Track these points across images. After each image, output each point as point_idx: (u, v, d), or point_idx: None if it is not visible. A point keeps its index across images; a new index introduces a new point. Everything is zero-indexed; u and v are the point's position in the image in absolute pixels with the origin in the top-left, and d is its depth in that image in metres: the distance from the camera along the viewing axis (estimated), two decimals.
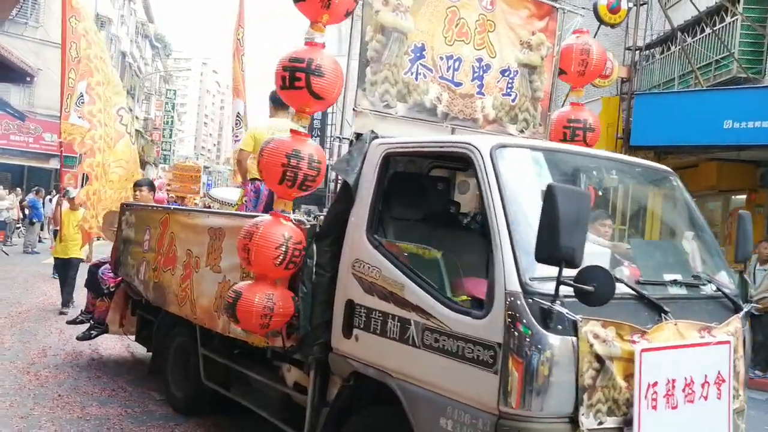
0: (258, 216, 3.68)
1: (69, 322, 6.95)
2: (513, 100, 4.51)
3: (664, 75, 15.97)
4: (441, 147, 3.44)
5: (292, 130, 3.53)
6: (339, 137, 3.83)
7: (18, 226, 19.09)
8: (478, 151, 3.01)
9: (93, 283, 6.66)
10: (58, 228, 9.28)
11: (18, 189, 21.05)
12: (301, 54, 3.45)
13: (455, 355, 2.81)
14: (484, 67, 4.33)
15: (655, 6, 14.11)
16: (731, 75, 12.92)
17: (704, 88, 13.09)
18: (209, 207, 6.61)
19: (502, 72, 4.42)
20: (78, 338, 6.47)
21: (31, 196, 17.87)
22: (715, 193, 14.55)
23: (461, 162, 3.31)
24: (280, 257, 3.40)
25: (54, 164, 20.83)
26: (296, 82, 3.41)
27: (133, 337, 6.39)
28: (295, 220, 3.59)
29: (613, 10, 15.07)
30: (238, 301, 3.41)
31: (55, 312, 9.27)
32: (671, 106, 12.63)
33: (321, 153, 3.55)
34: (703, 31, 14.16)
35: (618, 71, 14.15)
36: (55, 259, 9.48)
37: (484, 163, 2.95)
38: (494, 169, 2.91)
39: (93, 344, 7.04)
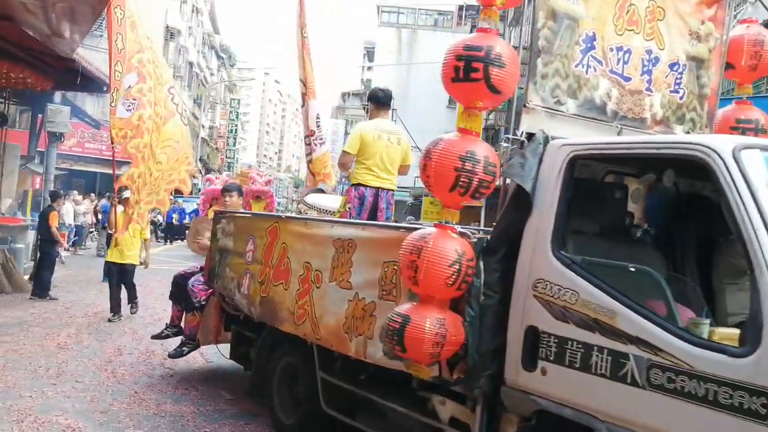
0: (420, 228, 3.22)
1: (154, 337, 6.62)
2: (681, 98, 3.99)
3: None
4: (652, 150, 2.94)
5: (461, 129, 3.07)
6: (510, 137, 3.34)
7: (92, 230, 20.40)
8: (717, 153, 2.51)
9: (180, 296, 6.29)
10: (112, 231, 8.92)
11: (92, 195, 21.84)
12: (477, 41, 2.99)
13: (703, 400, 2.31)
14: (653, 60, 3.83)
15: None
16: None
17: None
18: (305, 214, 6.20)
19: (671, 66, 3.91)
20: (170, 356, 6.11)
21: (103, 201, 18.37)
22: None
23: (683, 166, 2.80)
24: (453, 276, 2.95)
25: (125, 171, 21.54)
26: (473, 73, 2.95)
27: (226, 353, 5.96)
28: (460, 232, 3.12)
29: None
30: (407, 326, 2.95)
31: (129, 312, 9.19)
32: None
33: (496, 155, 3.08)
34: None
35: None
36: (107, 263, 9.19)
37: (727, 167, 2.44)
38: (742, 175, 2.40)
39: (165, 344, 7.07)
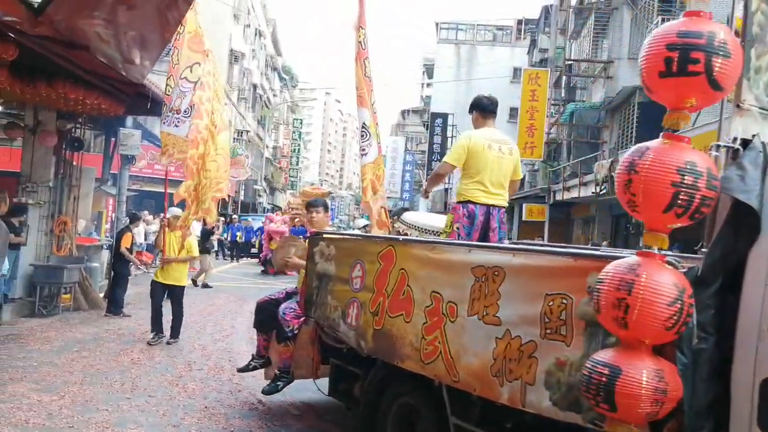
0: (622, 257, 2.64)
1: (240, 370, 6.20)
2: None
3: None
4: None
5: (669, 135, 2.49)
6: (720, 144, 2.75)
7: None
8: None
9: (266, 324, 5.81)
10: (161, 250, 8.53)
11: (161, 214, 22.46)
12: (694, 26, 2.41)
13: None
14: None
15: None
16: None
17: None
18: (406, 235, 5.67)
19: None
20: (264, 392, 5.61)
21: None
22: None
23: None
24: (674, 317, 2.36)
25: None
26: (691, 65, 2.37)
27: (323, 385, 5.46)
28: (667, 261, 2.54)
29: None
30: (617, 380, 2.37)
31: (198, 328, 9.06)
32: None
33: (715, 167, 2.49)
34: None
35: None
36: (153, 282, 8.75)
37: None
38: None
39: (233, 359, 7.41)
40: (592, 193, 21.09)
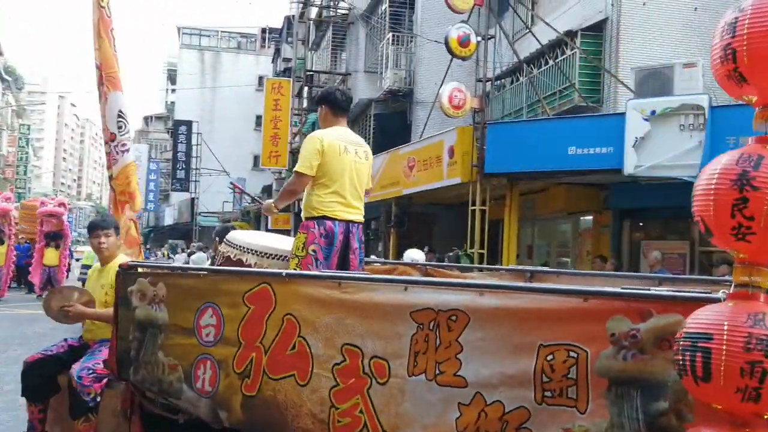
0: (665, 293, 2.04)
1: None
2: None
3: (514, 104, 17.24)
4: None
5: (759, 138, 1.98)
6: None
7: None
8: None
9: (41, 391, 4.30)
10: None
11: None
12: None
13: None
14: None
15: (503, 40, 15.43)
16: (573, 104, 14.11)
17: (550, 116, 14.14)
18: (234, 261, 4.47)
19: None
20: None
21: None
22: (565, 215, 15.91)
23: None
24: None
25: None
26: None
27: None
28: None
29: (464, 43, 15.75)
30: None
31: None
32: (521, 134, 13.61)
33: None
34: (546, 63, 15.49)
35: (471, 102, 14.91)
36: None
37: None
38: None
39: None
40: None
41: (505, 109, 17.50)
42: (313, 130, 27.45)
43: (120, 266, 3.85)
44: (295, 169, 4.22)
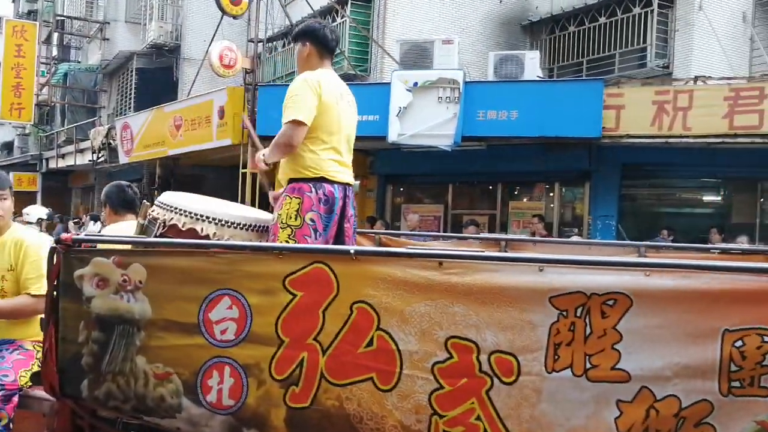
0: None
1: None
2: None
3: (287, 67, 17.73)
4: None
5: None
6: None
7: None
8: None
9: None
10: None
11: None
12: None
13: None
14: None
15: (276, 1, 15.98)
16: (343, 71, 14.82)
17: None
18: (187, 232, 3.51)
19: None
20: None
21: None
22: None
23: None
24: None
25: None
26: None
27: None
28: None
29: (235, 2, 15.88)
30: None
31: None
32: None
33: None
34: None
35: (242, 62, 15.01)
36: None
37: None
38: None
39: None
40: (89, 161, 19.89)
41: (277, 71, 18.16)
42: (65, 81, 24.56)
43: (59, 242, 2.82)
44: (290, 117, 3.62)
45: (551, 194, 14.77)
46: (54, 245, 3.04)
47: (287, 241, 3.72)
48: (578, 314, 2.51)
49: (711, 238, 12.12)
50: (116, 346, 3.03)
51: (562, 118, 11.97)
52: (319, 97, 3.73)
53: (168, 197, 3.90)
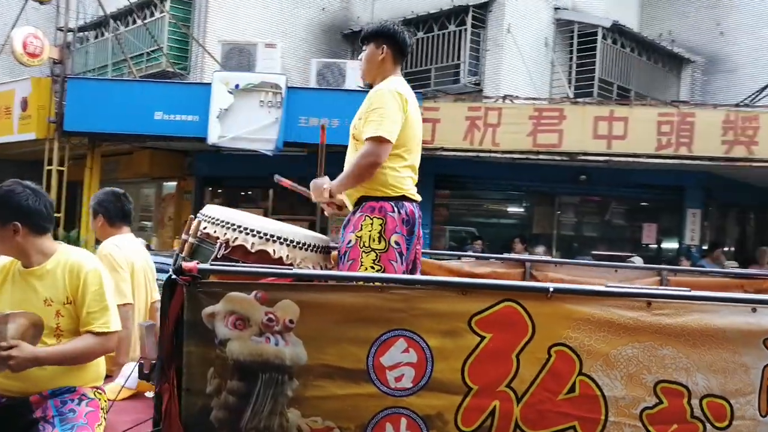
0: None
1: None
2: None
3: (99, 60, 17.48)
4: None
5: None
6: None
7: None
8: None
9: None
10: None
11: None
12: None
13: None
14: None
15: None
16: (161, 68, 15.04)
17: (137, 78, 14.83)
18: (257, 255, 3.02)
19: None
20: None
21: None
22: (149, 179, 16.65)
23: None
24: None
25: None
26: None
27: None
28: None
29: None
30: None
31: None
32: (105, 92, 13.78)
33: None
34: (135, 22, 16.09)
35: (49, 51, 14.47)
36: None
37: None
38: None
39: None
40: None
41: (88, 64, 17.63)
42: None
43: (180, 272, 2.37)
44: (374, 133, 3.28)
45: None
46: (173, 276, 2.54)
47: (373, 267, 3.40)
48: None
49: (514, 247, 12.91)
50: (260, 397, 2.58)
51: None
52: (404, 111, 3.47)
53: (221, 212, 3.39)
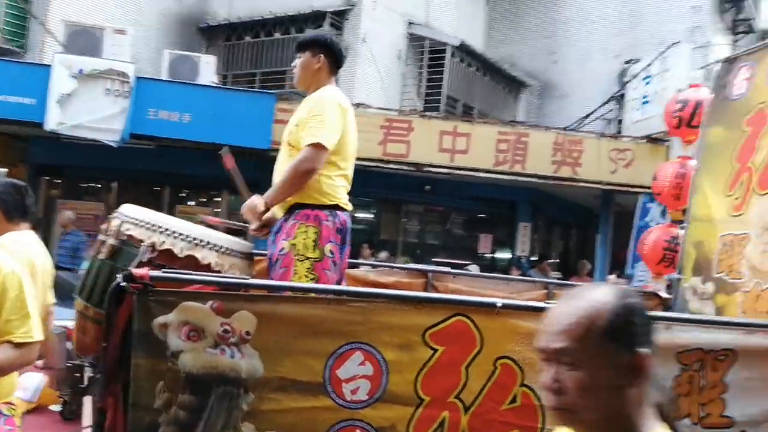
0: None
1: None
2: None
3: None
4: None
5: None
6: None
7: None
8: None
9: None
10: None
11: None
12: None
13: None
14: None
15: None
16: None
17: None
18: (185, 260, 2.77)
19: None
20: None
21: None
22: None
23: None
24: None
25: None
26: None
27: None
28: None
29: None
30: None
31: None
32: None
33: None
34: None
35: None
36: None
37: None
38: None
39: None
40: None
41: None
42: None
43: (130, 279, 2.26)
44: (316, 140, 3.25)
45: (218, 200, 14.73)
46: (122, 283, 2.35)
47: (307, 276, 3.35)
48: (696, 368, 2.85)
49: (362, 252, 13.15)
50: (213, 412, 2.44)
51: (234, 126, 12.17)
52: (343, 117, 3.46)
53: (143, 213, 3.18)
